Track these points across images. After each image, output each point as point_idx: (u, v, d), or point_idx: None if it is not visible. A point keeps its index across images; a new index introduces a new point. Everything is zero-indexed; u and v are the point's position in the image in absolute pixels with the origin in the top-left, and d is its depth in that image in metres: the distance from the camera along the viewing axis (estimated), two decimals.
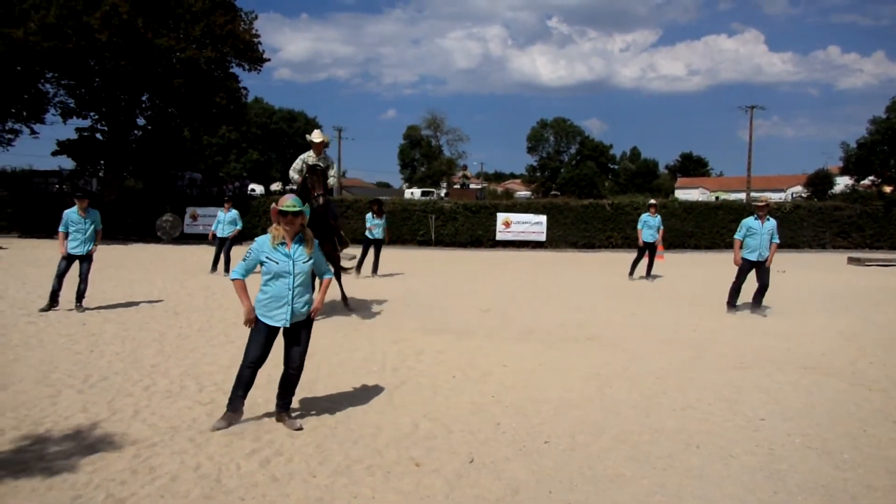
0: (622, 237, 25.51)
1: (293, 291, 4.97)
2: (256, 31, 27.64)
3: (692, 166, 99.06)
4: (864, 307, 11.47)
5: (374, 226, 15.09)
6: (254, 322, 5.01)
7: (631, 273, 15.29)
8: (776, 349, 8.07)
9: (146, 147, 28.65)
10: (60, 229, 9.72)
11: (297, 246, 5.02)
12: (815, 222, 26.99)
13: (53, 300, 9.68)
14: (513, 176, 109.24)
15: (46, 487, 4.02)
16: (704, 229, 26.46)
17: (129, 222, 25.44)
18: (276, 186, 66.80)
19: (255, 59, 27.75)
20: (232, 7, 27.38)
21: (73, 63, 24.46)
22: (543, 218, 25.50)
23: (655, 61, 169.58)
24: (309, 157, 9.67)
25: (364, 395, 6.06)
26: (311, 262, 5.07)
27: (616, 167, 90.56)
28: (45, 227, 25.24)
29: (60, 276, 9.70)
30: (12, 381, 6.16)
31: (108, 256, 18.00)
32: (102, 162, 28.81)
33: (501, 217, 25.61)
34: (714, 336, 8.86)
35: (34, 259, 17.04)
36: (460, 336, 8.59)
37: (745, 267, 10.56)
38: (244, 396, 5.11)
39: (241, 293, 4.97)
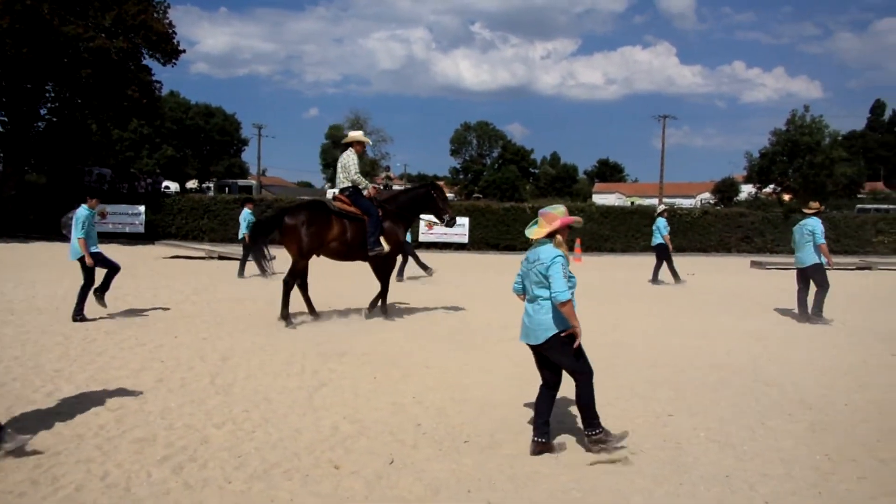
0: None
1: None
2: (171, 21, 26.63)
3: (609, 172, 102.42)
4: (766, 307, 12.19)
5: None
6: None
7: (675, 277, 15.27)
8: (688, 348, 8.47)
9: (50, 140, 27.00)
10: (80, 236, 8.86)
11: None
12: (721, 227, 28.45)
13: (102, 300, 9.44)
14: (436, 178, 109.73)
15: None
16: (620, 233, 27.42)
17: (30, 219, 23.94)
18: (191, 184, 64.33)
19: (169, 51, 26.62)
20: None
21: None
22: (466, 220, 25.72)
23: (575, 69, 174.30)
24: (354, 155, 9.70)
25: (283, 398, 5.96)
26: None
27: (537, 171, 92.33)
28: None
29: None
30: None
31: (7, 255, 16.91)
32: (1, 154, 27.01)
33: (424, 219, 25.64)
34: (632, 335, 9.20)
35: None
36: (384, 339, 8.56)
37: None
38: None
39: (574, 312, 4.73)
